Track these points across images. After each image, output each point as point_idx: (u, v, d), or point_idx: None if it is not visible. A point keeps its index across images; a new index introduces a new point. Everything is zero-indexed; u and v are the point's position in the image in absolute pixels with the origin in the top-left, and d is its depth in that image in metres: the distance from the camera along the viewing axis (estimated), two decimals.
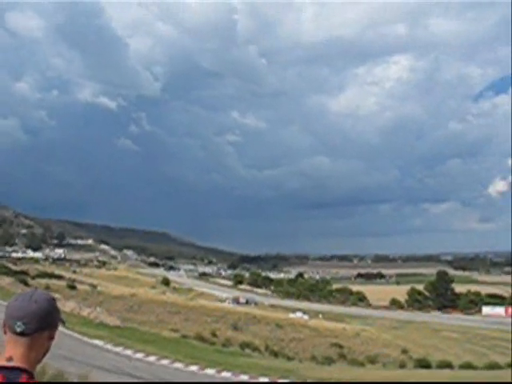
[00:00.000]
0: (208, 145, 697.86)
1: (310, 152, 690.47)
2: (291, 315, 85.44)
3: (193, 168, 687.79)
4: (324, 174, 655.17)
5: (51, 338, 2.35)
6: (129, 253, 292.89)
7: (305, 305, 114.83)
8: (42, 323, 2.27)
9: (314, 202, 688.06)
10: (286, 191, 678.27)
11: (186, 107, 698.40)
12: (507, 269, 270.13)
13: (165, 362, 43.07)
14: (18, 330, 2.23)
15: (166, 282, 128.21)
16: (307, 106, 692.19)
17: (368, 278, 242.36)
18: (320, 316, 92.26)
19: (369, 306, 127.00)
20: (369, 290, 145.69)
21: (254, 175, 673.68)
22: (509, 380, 43.51)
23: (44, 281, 77.68)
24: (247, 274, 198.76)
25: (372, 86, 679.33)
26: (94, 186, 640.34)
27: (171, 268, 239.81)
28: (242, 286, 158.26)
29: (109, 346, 45.77)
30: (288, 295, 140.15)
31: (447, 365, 54.72)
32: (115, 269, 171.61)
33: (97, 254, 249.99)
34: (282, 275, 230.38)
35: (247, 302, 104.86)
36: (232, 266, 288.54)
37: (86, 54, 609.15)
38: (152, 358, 43.68)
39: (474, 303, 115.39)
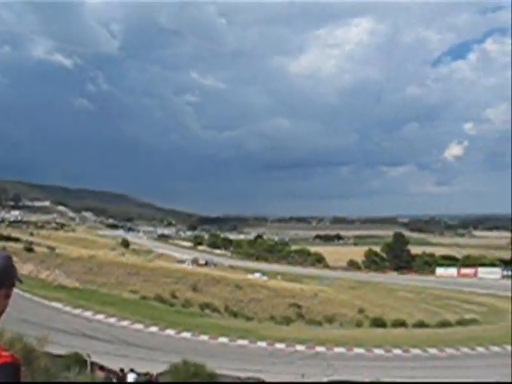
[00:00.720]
0: (167, 105, 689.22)
1: (269, 113, 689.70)
2: (250, 276, 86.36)
3: (151, 128, 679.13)
4: (284, 135, 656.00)
5: (8, 296, 2.31)
6: (87, 214, 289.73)
7: (264, 266, 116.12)
8: None
9: (274, 163, 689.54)
10: (246, 152, 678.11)
11: (144, 66, 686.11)
12: (460, 231, 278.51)
13: (125, 323, 43.28)
14: None
15: (125, 243, 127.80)
16: (267, 66, 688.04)
17: (326, 239, 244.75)
18: (279, 277, 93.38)
19: (327, 266, 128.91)
20: (327, 251, 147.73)
21: (214, 136, 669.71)
22: (458, 336, 45.27)
23: (0, 243, 76.47)
24: (207, 236, 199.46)
25: (333, 48, 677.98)
26: (49, 145, 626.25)
27: (130, 230, 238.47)
28: (202, 248, 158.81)
29: (68, 308, 45.68)
30: (247, 256, 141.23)
31: (401, 323, 56.51)
32: (73, 231, 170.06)
33: (54, 215, 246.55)
34: (241, 236, 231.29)
35: (206, 264, 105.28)
36: (191, 228, 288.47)
37: (39, 8, 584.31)
38: (112, 320, 43.83)
39: (428, 264, 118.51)
